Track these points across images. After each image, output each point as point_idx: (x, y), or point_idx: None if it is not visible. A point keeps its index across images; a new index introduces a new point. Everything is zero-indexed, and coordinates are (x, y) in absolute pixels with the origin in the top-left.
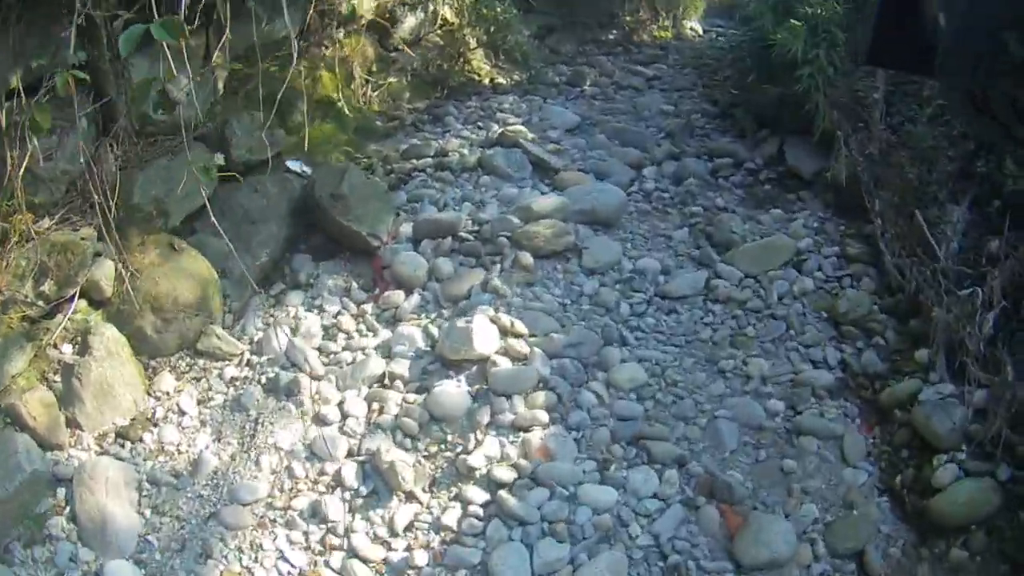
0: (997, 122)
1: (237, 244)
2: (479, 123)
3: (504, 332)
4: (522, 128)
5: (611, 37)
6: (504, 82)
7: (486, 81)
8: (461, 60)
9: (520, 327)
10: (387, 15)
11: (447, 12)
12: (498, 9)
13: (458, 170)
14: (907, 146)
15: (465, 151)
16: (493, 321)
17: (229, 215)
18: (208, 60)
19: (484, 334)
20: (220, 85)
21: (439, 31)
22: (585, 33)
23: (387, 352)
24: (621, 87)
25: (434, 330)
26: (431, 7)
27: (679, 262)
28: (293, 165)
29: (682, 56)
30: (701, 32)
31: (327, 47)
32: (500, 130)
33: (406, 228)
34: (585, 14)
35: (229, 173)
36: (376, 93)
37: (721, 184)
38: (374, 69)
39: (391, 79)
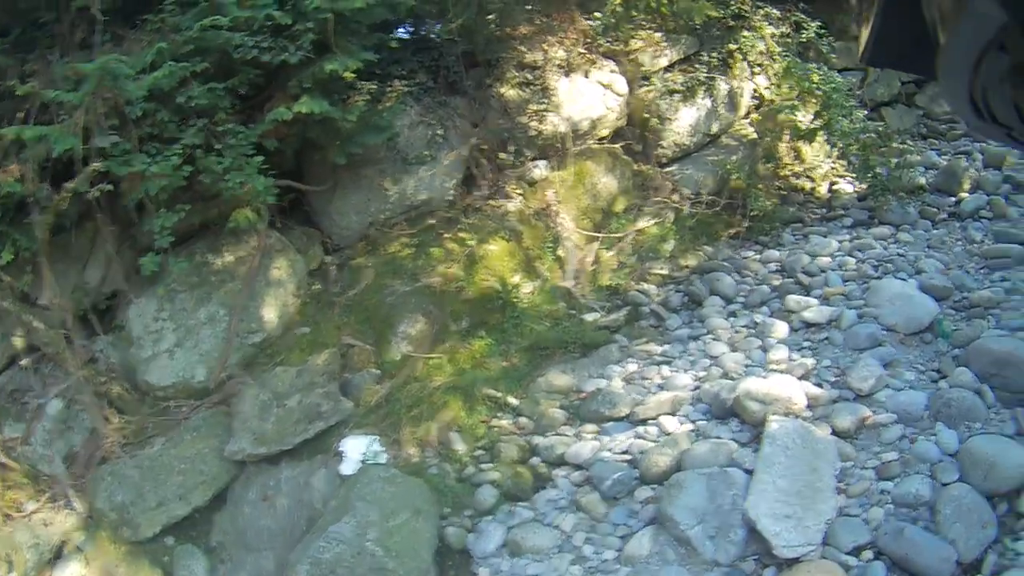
0: (998, 123)
1: None
2: (755, 316)
3: None
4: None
5: None
6: (848, 192)
7: (822, 190)
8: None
9: None
10: (645, 117)
11: (762, 84)
12: (815, 77)
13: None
14: None
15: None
16: None
17: None
18: None
19: None
20: None
21: (743, 124)
22: None
23: None
24: (1017, 187)
25: None
26: (723, 84)
27: None
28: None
29: None
30: None
31: (510, 195)
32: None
33: None
34: None
35: None
36: (611, 254)
37: None
38: (604, 214)
39: (640, 223)
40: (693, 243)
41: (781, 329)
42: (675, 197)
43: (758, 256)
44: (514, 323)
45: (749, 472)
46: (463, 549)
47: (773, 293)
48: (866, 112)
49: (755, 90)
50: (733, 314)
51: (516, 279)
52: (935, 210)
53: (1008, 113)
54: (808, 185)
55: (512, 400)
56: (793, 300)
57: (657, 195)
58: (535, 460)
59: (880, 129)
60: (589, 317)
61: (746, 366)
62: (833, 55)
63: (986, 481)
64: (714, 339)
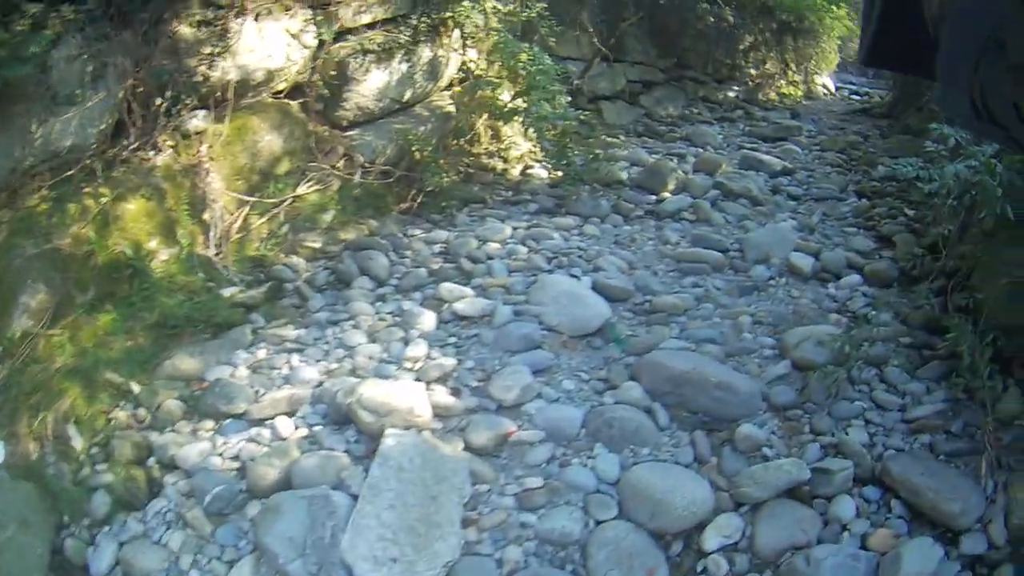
0: (997, 124)
1: None
2: (406, 299)
3: None
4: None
5: (729, 95)
6: (541, 177)
7: (514, 173)
8: (470, 138)
9: None
10: (332, 75)
11: (472, 58)
12: (524, 57)
13: None
14: None
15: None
16: None
17: None
18: None
19: None
20: None
21: (444, 96)
22: (696, 89)
23: None
24: (727, 195)
25: None
26: (428, 51)
27: None
28: None
29: (818, 126)
30: (833, 89)
31: (161, 147)
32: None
33: None
34: (697, 64)
35: None
36: (262, 222)
37: None
38: (263, 176)
39: (301, 189)
40: (357, 215)
41: (428, 320)
42: (344, 164)
43: (424, 236)
44: (144, 296)
45: (355, 497)
46: (84, 565)
47: (430, 278)
48: (586, 103)
49: (464, 63)
50: (382, 298)
51: (153, 244)
52: (631, 206)
53: (1007, 113)
54: (500, 166)
55: (135, 387)
56: (446, 288)
57: (327, 160)
58: (151, 461)
59: (584, 118)
60: (227, 292)
61: (381, 361)
62: (553, 40)
63: (652, 520)
64: (354, 326)
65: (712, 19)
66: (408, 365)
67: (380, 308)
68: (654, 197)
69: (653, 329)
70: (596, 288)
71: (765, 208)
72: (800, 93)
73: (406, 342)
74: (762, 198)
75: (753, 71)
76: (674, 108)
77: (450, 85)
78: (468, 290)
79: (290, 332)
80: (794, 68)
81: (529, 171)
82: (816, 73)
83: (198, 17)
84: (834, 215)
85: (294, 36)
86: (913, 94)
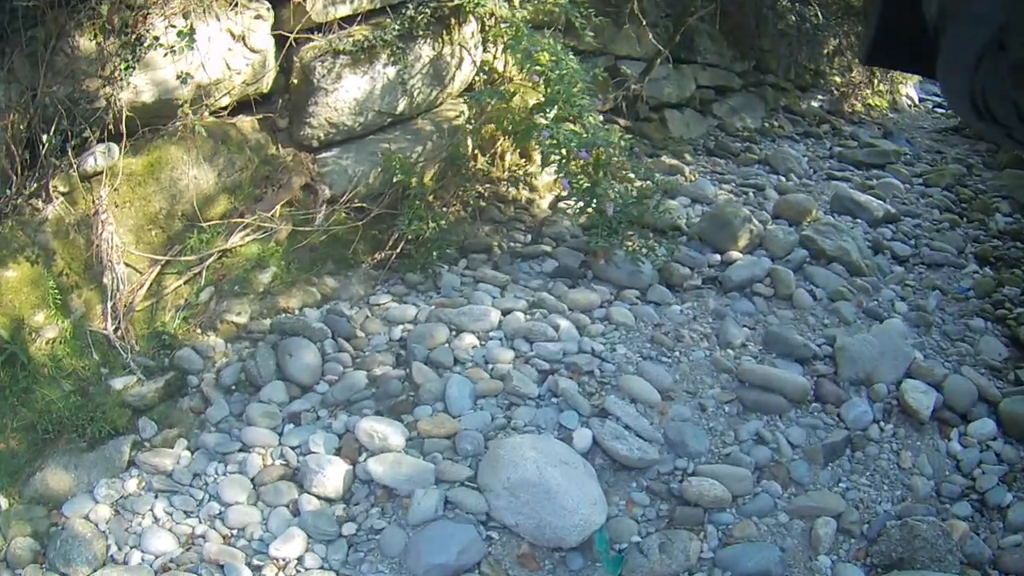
0: (998, 123)
1: None
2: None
3: None
4: None
5: (813, 104)
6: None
7: (542, 206)
8: (491, 157)
9: None
10: (295, 84)
11: (491, 57)
12: (543, 58)
13: None
14: None
15: None
16: None
17: None
18: None
19: None
20: None
21: (454, 106)
22: (777, 97)
23: None
24: (817, 256)
25: None
26: (428, 49)
27: None
28: None
29: (914, 149)
30: (917, 101)
31: (52, 196)
32: None
33: None
34: (777, 68)
35: None
36: (181, 284)
37: None
38: (188, 223)
39: (236, 239)
40: (310, 271)
41: (332, 479)
42: (309, 198)
43: (390, 308)
44: (23, 386)
45: None
46: None
47: (367, 392)
48: (647, 111)
49: (486, 63)
50: (295, 420)
51: (39, 318)
52: (686, 271)
53: (1008, 113)
54: (526, 195)
55: (2, 501)
56: (367, 429)
57: (278, 196)
58: None
59: (626, 141)
60: (118, 383)
61: (245, 547)
62: (590, 33)
63: None
64: (239, 470)
65: (794, 18)
66: (268, 574)
67: (285, 440)
68: (719, 257)
69: (676, 539)
70: (594, 450)
71: (866, 280)
72: (886, 104)
73: (294, 512)
74: (861, 264)
75: (838, 79)
76: (752, 120)
77: (469, 89)
78: (397, 436)
79: (167, 461)
80: (879, 76)
81: (562, 203)
82: (901, 83)
83: (103, 23)
84: (951, 293)
85: (238, 38)
86: None
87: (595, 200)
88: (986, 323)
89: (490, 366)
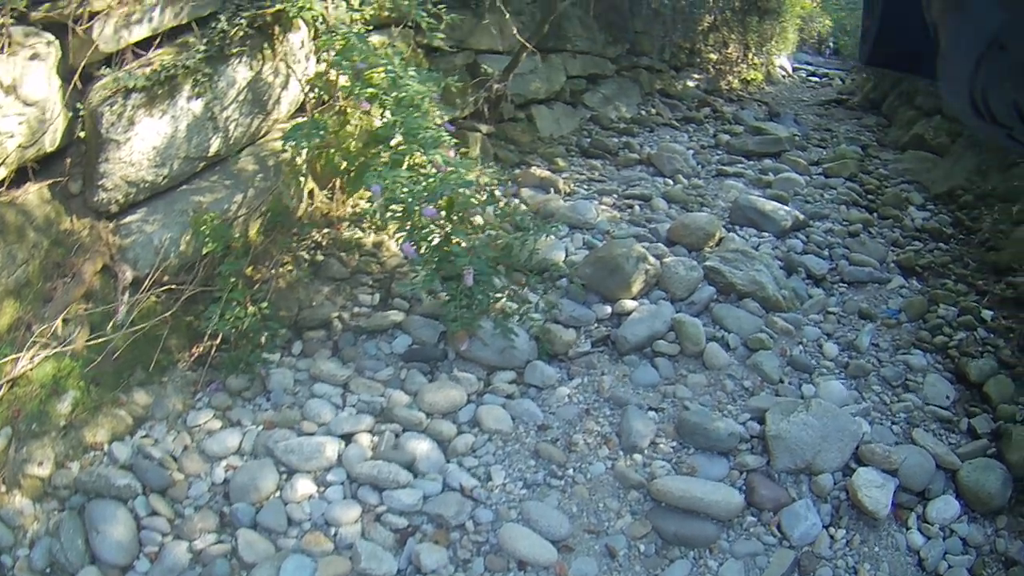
0: (998, 124)
1: None
2: None
3: None
4: None
5: (689, 84)
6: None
7: (392, 249)
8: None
9: None
10: (81, 137)
11: (323, 68)
12: (376, 78)
13: None
14: None
15: None
16: None
17: None
18: None
19: None
20: None
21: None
22: (652, 80)
23: None
24: (725, 292)
25: None
26: (243, 71)
27: None
28: None
29: (802, 128)
30: (791, 71)
31: None
32: None
33: None
34: (652, 49)
35: None
36: None
37: None
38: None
39: (25, 360)
40: (116, 387)
41: None
42: (108, 285)
43: (210, 434)
44: None
45: None
46: None
47: (192, 570)
48: (514, 111)
49: (316, 76)
50: None
51: None
52: (570, 334)
53: (1008, 113)
54: (372, 239)
55: None
56: None
57: (73, 292)
58: None
59: (488, 176)
60: None
61: None
62: (440, 35)
63: None
64: None
65: None
66: None
67: None
68: (609, 309)
69: None
70: None
71: (785, 319)
72: (761, 77)
73: None
74: (778, 297)
75: (714, 55)
76: (627, 108)
77: (302, 110)
78: None
79: None
80: (754, 50)
81: (405, 269)
82: (775, 55)
83: None
84: (881, 318)
85: (7, 90)
86: (891, 80)
87: (445, 265)
88: (926, 356)
89: (332, 530)
